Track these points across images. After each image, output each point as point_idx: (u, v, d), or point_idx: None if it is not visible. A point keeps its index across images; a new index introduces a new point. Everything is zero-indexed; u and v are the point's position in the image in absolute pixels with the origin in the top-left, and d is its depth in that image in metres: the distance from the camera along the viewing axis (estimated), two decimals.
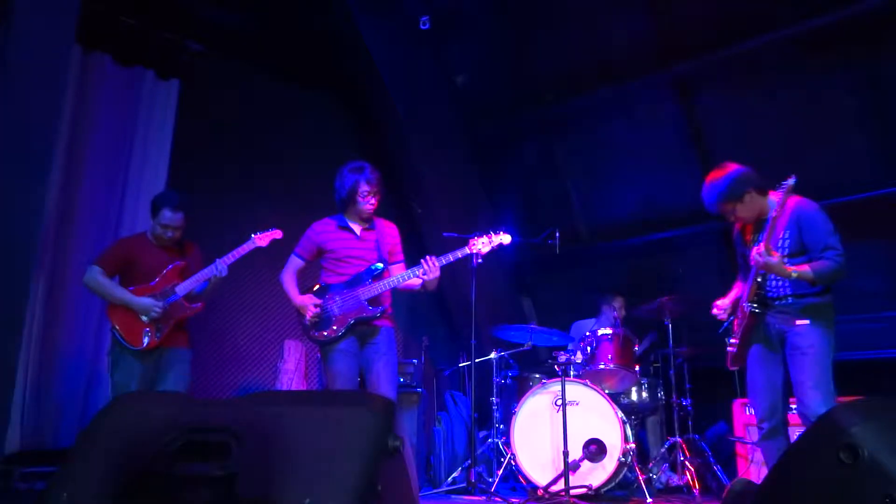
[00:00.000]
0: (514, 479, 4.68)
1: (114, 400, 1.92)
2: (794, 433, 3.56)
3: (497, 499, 4.10)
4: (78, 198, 4.54)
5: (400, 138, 6.00)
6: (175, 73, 5.00)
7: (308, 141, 5.90)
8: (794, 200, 3.20)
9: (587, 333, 4.88)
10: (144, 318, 3.57)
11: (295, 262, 3.78)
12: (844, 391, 3.72)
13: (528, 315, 6.52)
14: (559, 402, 4.17)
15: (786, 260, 3.11)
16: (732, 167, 3.28)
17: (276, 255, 3.98)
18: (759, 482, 2.79)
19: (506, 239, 3.80)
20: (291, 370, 5.28)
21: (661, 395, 4.93)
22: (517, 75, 5.94)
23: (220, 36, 5.33)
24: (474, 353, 4.40)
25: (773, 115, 4.94)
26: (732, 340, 3.34)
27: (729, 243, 3.57)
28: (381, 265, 3.65)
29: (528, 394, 4.47)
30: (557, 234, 5.10)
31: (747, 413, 4.33)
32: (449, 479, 4.85)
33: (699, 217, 3.81)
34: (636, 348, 4.79)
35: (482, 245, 3.75)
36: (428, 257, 3.57)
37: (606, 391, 4.42)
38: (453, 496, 4.48)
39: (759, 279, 3.18)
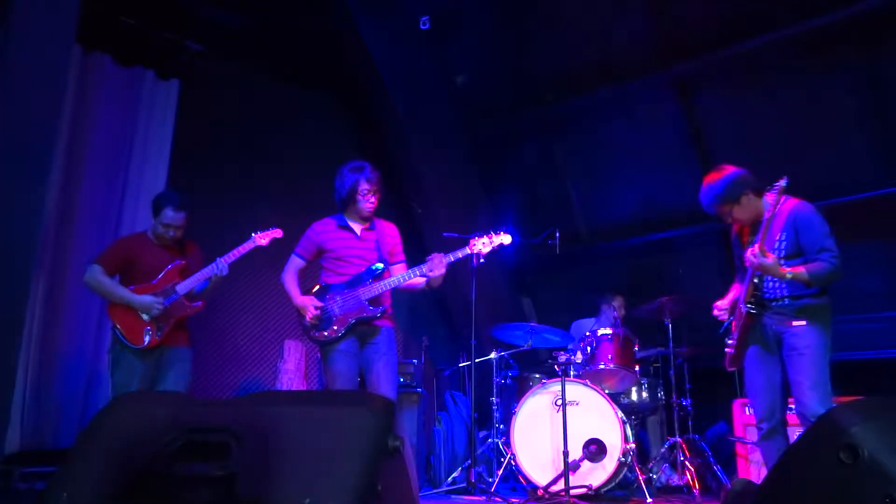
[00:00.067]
0: (514, 479, 4.68)
1: (114, 400, 1.92)
2: (793, 433, 3.56)
3: (497, 499, 4.10)
4: (78, 198, 4.54)
5: (400, 138, 6.00)
6: (175, 73, 5.01)
7: (308, 141, 5.90)
8: (792, 202, 3.23)
9: (587, 333, 4.88)
10: (145, 317, 3.57)
11: (295, 262, 3.79)
12: (844, 391, 3.72)
13: (528, 315, 6.52)
14: (559, 402, 4.17)
15: (782, 261, 3.13)
16: (730, 169, 3.31)
17: (276, 256, 3.99)
18: (759, 482, 2.79)
19: (506, 239, 3.80)
20: (291, 370, 5.27)
21: (661, 395, 4.93)
22: (517, 75, 5.94)
23: (220, 36, 5.33)
24: (474, 353, 4.40)
25: (773, 115, 4.93)
26: (730, 341, 3.36)
27: (729, 243, 3.58)
28: (381, 265, 3.65)
29: (528, 394, 4.47)
30: (557, 234, 5.11)
31: (747, 413, 4.33)
32: (449, 479, 4.85)
33: (699, 217, 3.80)
34: (636, 349, 4.79)
35: (482, 245, 3.75)
36: (435, 254, 3.57)
37: (606, 391, 4.42)
38: (453, 496, 4.48)
39: (755, 280, 3.21)
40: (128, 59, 4.82)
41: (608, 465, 4.12)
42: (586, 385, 4.32)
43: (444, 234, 4.67)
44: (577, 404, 4.26)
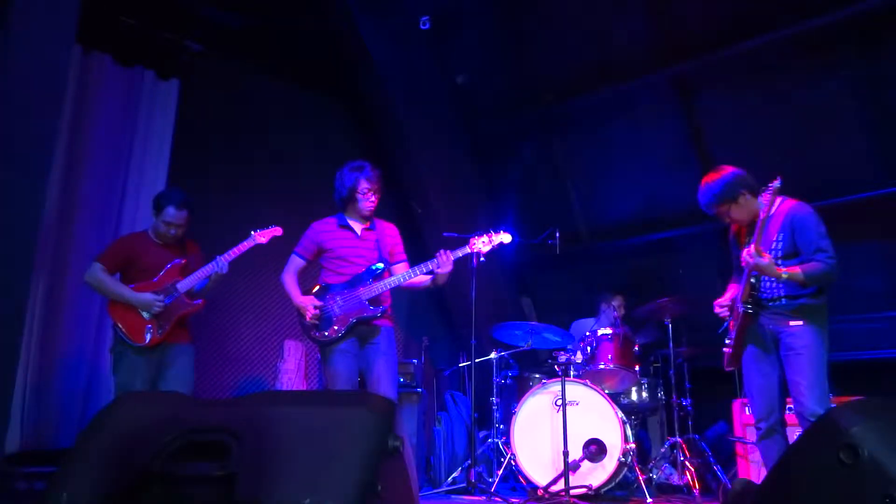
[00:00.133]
0: (514, 479, 4.68)
1: (114, 400, 1.92)
2: (792, 433, 3.56)
3: (497, 499, 4.10)
4: (78, 198, 4.53)
5: (400, 138, 6.00)
6: (175, 73, 5.00)
7: (308, 141, 5.89)
8: (789, 203, 3.27)
9: (587, 333, 4.88)
10: (146, 315, 3.58)
11: (295, 262, 3.79)
12: (844, 391, 3.72)
13: (528, 315, 6.52)
14: (559, 402, 4.17)
15: (779, 261, 3.16)
16: (728, 169, 3.34)
17: (276, 256, 3.99)
18: (759, 482, 2.79)
19: (506, 238, 3.80)
20: (291, 370, 5.27)
21: (661, 395, 4.93)
22: (517, 75, 5.94)
23: (220, 36, 5.33)
24: (474, 353, 4.40)
25: (773, 115, 4.93)
26: (728, 341, 3.38)
27: (728, 243, 3.60)
28: (381, 265, 3.66)
29: (528, 394, 4.47)
30: (557, 234, 5.10)
31: (747, 413, 4.33)
32: (449, 479, 4.85)
33: (699, 217, 3.80)
34: (636, 348, 4.79)
35: (482, 244, 3.75)
36: (442, 251, 3.58)
37: (606, 391, 4.42)
38: (453, 496, 4.48)
39: (752, 280, 3.23)
40: (128, 59, 4.82)
41: (608, 465, 4.12)
42: (586, 385, 4.32)
43: (444, 233, 4.67)
44: (577, 404, 4.26)
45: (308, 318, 3.59)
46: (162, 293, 3.61)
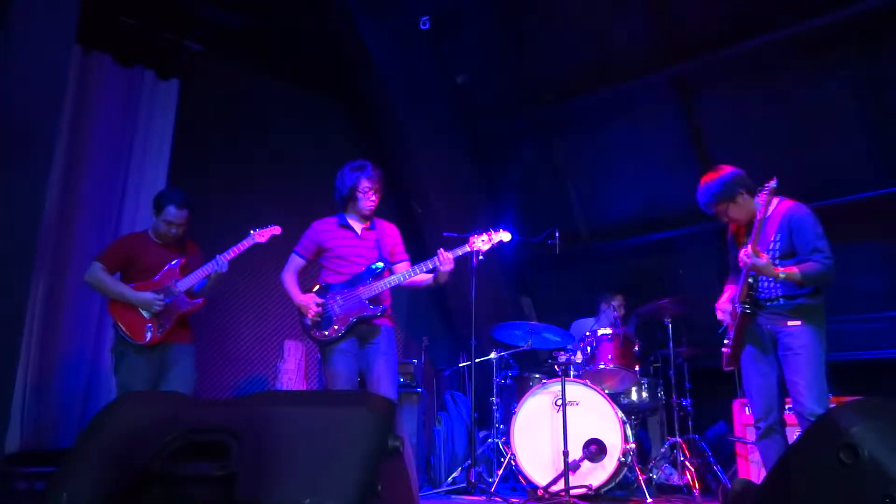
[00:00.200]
0: (514, 479, 4.68)
1: (114, 400, 1.92)
2: (792, 433, 3.56)
3: (497, 499, 4.10)
4: (78, 198, 4.54)
5: (400, 138, 6.00)
6: (175, 73, 5.00)
7: (308, 141, 5.89)
8: (787, 203, 3.29)
9: (587, 333, 4.88)
10: (146, 314, 3.58)
11: (296, 261, 3.79)
12: (844, 391, 3.72)
13: (528, 315, 6.52)
14: (559, 402, 4.17)
15: (777, 261, 3.17)
16: (726, 169, 3.36)
17: (276, 255, 3.99)
18: (759, 482, 2.79)
19: (505, 237, 3.81)
20: (291, 370, 5.27)
21: (661, 395, 4.93)
22: (517, 75, 5.94)
23: (220, 36, 5.33)
24: (474, 353, 4.40)
25: (773, 115, 4.93)
26: (727, 341, 3.39)
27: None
28: (381, 264, 3.66)
29: (528, 394, 4.47)
30: (557, 234, 5.10)
31: (747, 413, 4.33)
32: (449, 479, 4.85)
33: (699, 217, 3.80)
34: (636, 348, 4.79)
35: (482, 243, 3.75)
36: (441, 250, 3.59)
37: (606, 391, 4.42)
38: (453, 496, 4.48)
39: (750, 280, 3.24)
40: (128, 59, 4.82)
41: (608, 465, 4.12)
42: (586, 385, 4.32)
43: (444, 233, 4.67)
44: (577, 404, 4.26)
45: (310, 317, 3.59)
46: (162, 292, 3.62)
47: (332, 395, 2.43)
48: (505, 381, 5.05)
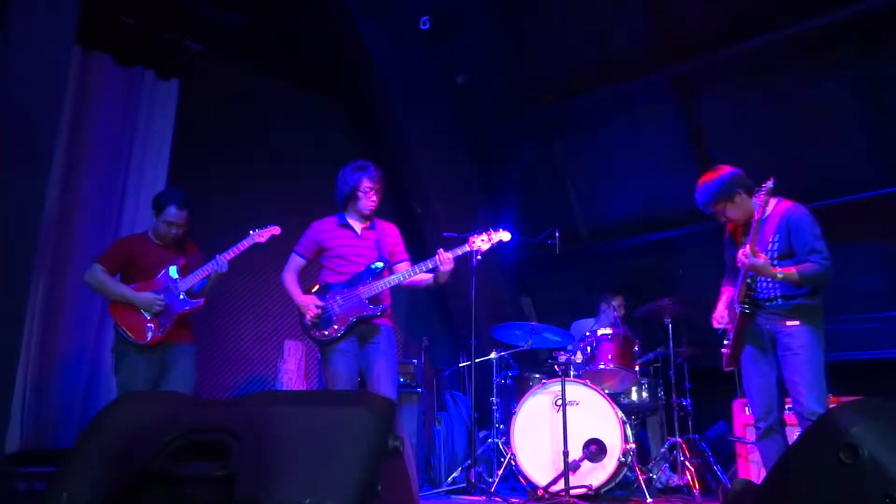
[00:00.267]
0: (514, 479, 4.68)
1: (114, 400, 1.92)
2: (792, 433, 3.56)
3: (497, 499, 4.10)
4: (78, 198, 4.53)
5: (400, 138, 6.00)
6: (175, 73, 5.00)
7: (308, 141, 5.89)
8: (785, 204, 3.30)
9: (587, 333, 4.88)
10: (146, 314, 3.58)
11: (296, 261, 3.79)
12: (844, 391, 3.72)
13: (528, 315, 6.52)
14: (559, 402, 4.17)
15: (775, 262, 3.18)
16: (725, 169, 3.37)
17: (276, 255, 3.99)
18: (759, 482, 2.79)
19: (505, 236, 3.81)
20: (291, 370, 5.27)
21: (661, 395, 4.93)
22: (517, 75, 5.94)
23: (220, 36, 5.33)
24: (474, 353, 4.40)
25: (773, 115, 4.93)
26: (726, 342, 3.39)
27: None
28: (380, 264, 3.66)
29: (528, 394, 4.47)
30: (557, 234, 5.10)
31: (747, 413, 4.33)
32: (449, 479, 4.85)
33: (699, 217, 3.80)
34: (636, 349, 4.79)
35: (482, 242, 3.76)
36: (441, 250, 3.60)
37: (606, 391, 4.42)
38: (453, 496, 4.48)
39: (748, 280, 3.25)
40: (128, 59, 4.82)
41: (608, 465, 4.12)
42: (586, 385, 4.32)
43: (444, 233, 4.67)
44: (577, 404, 4.26)
45: (309, 317, 3.60)
46: (162, 292, 3.62)
47: (332, 395, 2.44)
48: (505, 381, 5.05)
